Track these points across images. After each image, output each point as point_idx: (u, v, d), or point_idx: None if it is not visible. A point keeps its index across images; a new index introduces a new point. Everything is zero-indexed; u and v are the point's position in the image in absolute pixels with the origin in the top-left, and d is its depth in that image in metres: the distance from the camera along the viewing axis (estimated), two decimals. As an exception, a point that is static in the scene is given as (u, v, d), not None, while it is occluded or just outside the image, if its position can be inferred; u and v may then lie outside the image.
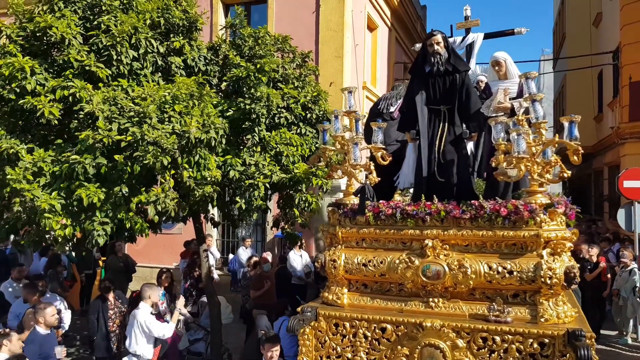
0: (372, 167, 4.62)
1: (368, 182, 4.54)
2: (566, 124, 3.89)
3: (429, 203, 4.20)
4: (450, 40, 7.48)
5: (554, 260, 3.77)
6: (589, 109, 19.05)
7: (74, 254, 10.54)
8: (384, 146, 4.66)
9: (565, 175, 3.91)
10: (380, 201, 4.47)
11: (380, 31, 14.42)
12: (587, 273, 9.11)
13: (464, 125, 4.81)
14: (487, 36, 7.15)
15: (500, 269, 3.87)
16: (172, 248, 11.96)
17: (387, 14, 14.75)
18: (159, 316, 6.68)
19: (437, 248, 4.06)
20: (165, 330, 6.29)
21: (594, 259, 9.35)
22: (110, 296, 7.37)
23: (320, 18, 11.61)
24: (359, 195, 4.51)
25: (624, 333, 9.60)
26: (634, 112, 13.19)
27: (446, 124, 4.70)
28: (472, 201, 4.09)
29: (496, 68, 5.40)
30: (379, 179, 4.72)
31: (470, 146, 5.27)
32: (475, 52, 7.00)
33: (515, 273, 3.83)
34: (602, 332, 9.49)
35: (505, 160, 3.95)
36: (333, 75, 11.41)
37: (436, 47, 4.75)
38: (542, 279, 3.73)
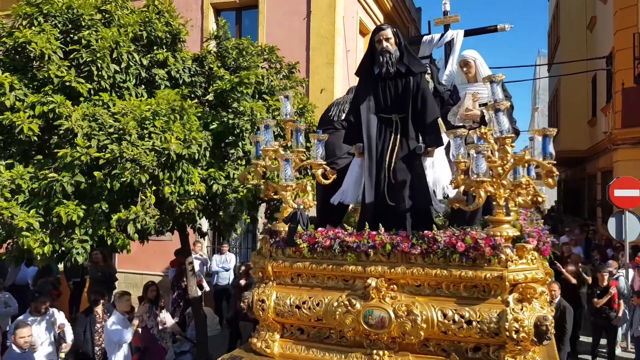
0: (309, 188, 3.96)
1: (302, 206, 3.82)
2: (539, 139, 3.27)
3: (373, 233, 3.52)
4: (428, 37, 6.83)
5: (522, 309, 3.08)
6: (583, 113, 19.07)
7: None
8: (323, 162, 3.91)
9: (540, 199, 3.24)
10: (319, 229, 3.75)
11: (373, 36, 14.35)
12: (594, 298, 8.53)
13: (421, 138, 4.04)
14: (468, 33, 6.61)
15: (456, 317, 3.21)
16: (163, 254, 11.89)
17: (380, 18, 14.69)
18: (136, 323, 6.73)
19: (382, 289, 3.39)
20: (123, 335, 6.34)
21: (605, 282, 8.48)
22: (99, 309, 7.35)
23: (311, 24, 11.55)
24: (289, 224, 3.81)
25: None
26: (626, 119, 13.12)
27: (398, 136, 3.90)
28: (426, 232, 3.40)
29: (464, 69, 4.58)
30: (317, 201, 4.15)
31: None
32: (455, 51, 6.45)
33: (474, 323, 3.16)
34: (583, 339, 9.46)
35: (464, 183, 3.32)
36: (324, 82, 11.36)
37: (385, 44, 3.90)
38: (507, 332, 3.06)
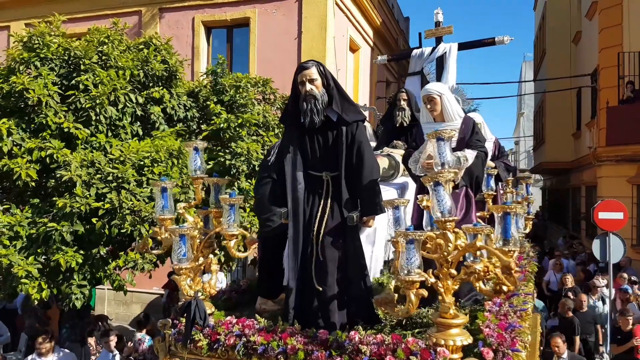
0: (215, 267, 3.16)
1: (199, 294, 3.05)
2: (497, 217, 2.56)
3: (287, 332, 2.81)
4: (418, 51, 6.23)
5: None
6: (568, 125, 19.33)
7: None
8: (236, 231, 3.04)
9: (505, 288, 2.50)
10: (227, 319, 3.05)
11: (363, 51, 14.47)
12: (614, 344, 7.70)
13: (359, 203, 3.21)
14: (462, 47, 6.07)
15: None
16: (156, 273, 11.84)
17: (370, 34, 14.80)
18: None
19: None
20: None
21: (629, 326, 7.35)
22: (92, 340, 7.36)
23: (302, 45, 11.61)
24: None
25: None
26: (610, 137, 13.37)
27: (329, 201, 3.14)
28: (351, 334, 2.66)
29: (429, 106, 3.72)
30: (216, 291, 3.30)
31: None
32: (450, 66, 5.86)
33: None
34: None
35: (397, 277, 2.60)
36: (315, 102, 11.43)
37: (309, 86, 3.10)
38: None
